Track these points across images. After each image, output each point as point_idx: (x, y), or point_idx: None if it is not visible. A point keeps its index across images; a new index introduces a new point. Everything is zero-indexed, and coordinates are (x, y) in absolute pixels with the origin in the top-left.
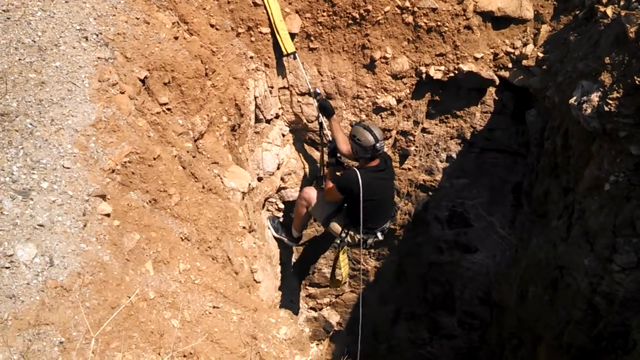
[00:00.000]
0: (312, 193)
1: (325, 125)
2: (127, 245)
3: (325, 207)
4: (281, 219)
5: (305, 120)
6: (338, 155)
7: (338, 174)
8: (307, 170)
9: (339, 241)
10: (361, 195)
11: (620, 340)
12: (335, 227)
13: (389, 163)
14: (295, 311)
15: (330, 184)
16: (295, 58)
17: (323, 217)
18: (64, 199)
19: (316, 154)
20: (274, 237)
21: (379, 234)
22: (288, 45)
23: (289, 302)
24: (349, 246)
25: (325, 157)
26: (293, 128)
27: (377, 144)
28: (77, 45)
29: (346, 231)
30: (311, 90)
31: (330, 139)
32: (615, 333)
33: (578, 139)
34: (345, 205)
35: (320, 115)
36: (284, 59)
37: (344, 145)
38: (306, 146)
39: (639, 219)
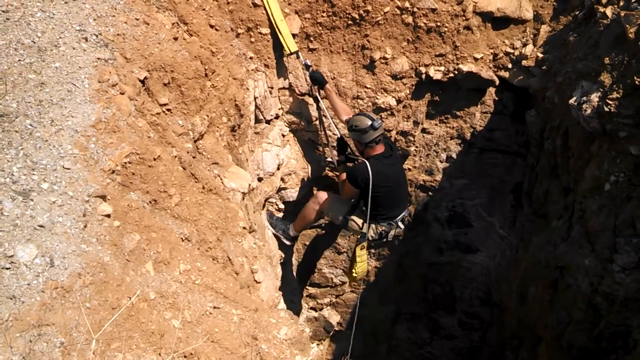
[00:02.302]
0: (324, 196)
1: (320, 98)
2: (127, 245)
3: (342, 206)
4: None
5: (305, 121)
6: (348, 152)
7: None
8: (307, 170)
9: (359, 236)
10: (370, 184)
11: (621, 341)
12: (356, 222)
13: (394, 148)
14: (296, 311)
15: (342, 176)
16: (298, 57)
17: (341, 216)
18: (64, 200)
19: (316, 155)
20: (273, 234)
21: (400, 224)
22: (291, 45)
23: (290, 302)
24: (373, 242)
25: (335, 156)
26: (293, 128)
27: (375, 122)
28: (77, 46)
29: (368, 225)
30: (303, 62)
31: (337, 136)
32: (616, 333)
33: (578, 139)
34: (362, 200)
35: (314, 88)
36: (284, 59)
37: (344, 113)
38: (306, 146)
39: (639, 219)
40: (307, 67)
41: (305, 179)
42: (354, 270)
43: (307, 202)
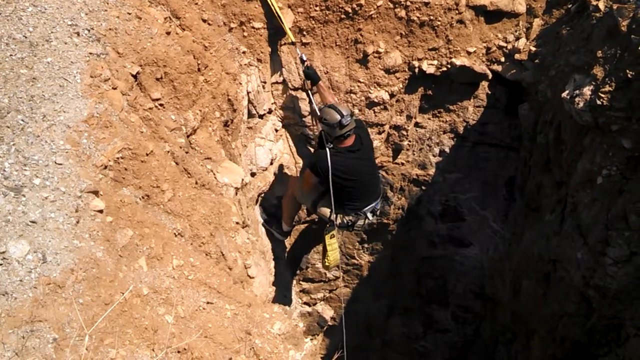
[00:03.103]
0: (293, 180)
1: (312, 94)
2: (120, 241)
3: (311, 192)
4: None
5: (297, 116)
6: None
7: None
8: (300, 165)
9: (328, 225)
10: (330, 175)
11: (613, 333)
12: (324, 211)
13: (365, 142)
14: (290, 306)
15: (306, 169)
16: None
17: (310, 202)
18: (57, 196)
19: (309, 149)
20: (266, 230)
21: (369, 215)
22: (291, 34)
23: (283, 297)
24: (341, 229)
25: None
26: (286, 123)
27: (343, 120)
28: (69, 41)
29: (335, 214)
30: (299, 55)
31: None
32: (608, 326)
33: (570, 132)
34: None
35: (307, 83)
36: (278, 53)
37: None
38: (299, 141)
39: (632, 212)
40: (302, 61)
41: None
42: (326, 260)
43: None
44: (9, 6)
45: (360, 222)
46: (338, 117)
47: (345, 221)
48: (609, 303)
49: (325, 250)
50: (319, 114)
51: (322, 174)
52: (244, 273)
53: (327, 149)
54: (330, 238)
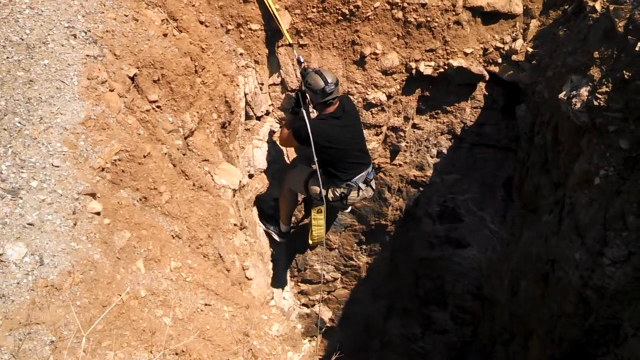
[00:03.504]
0: (287, 175)
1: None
2: (117, 243)
3: (300, 175)
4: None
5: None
6: (309, 105)
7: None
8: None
9: (318, 199)
10: (312, 143)
11: (612, 334)
12: (315, 189)
13: (347, 108)
14: (288, 308)
15: (286, 130)
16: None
17: (301, 184)
18: (54, 198)
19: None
20: (264, 232)
21: (361, 185)
22: (289, 36)
23: (281, 298)
24: (334, 204)
25: (289, 104)
26: (283, 125)
27: (326, 87)
28: (66, 43)
29: (326, 188)
30: (296, 57)
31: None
32: (607, 326)
33: (568, 133)
34: (317, 160)
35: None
36: (275, 54)
37: None
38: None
39: (629, 212)
40: (299, 63)
41: None
42: (310, 236)
43: None
44: (5, 8)
45: (354, 194)
46: (322, 83)
47: (337, 194)
48: (607, 303)
49: (310, 226)
50: (302, 78)
51: (304, 140)
52: (242, 275)
53: (304, 112)
54: (317, 213)
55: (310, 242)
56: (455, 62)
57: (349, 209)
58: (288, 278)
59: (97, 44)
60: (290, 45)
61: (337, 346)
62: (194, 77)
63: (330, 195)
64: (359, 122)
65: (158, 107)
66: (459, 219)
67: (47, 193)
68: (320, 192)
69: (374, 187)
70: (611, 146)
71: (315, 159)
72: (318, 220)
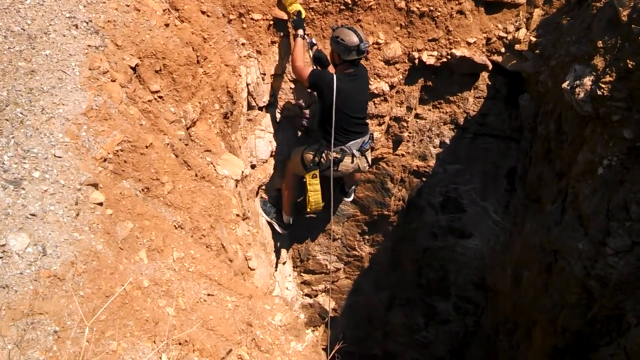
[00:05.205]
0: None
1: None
2: (120, 234)
3: (297, 155)
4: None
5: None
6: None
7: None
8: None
9: (311, 164)
10: (326, 99)
11: (615, 324)
12: (308, 156)
13: (363, 72)
14: (291, 298)
15: (306, 70)
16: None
17: (299, 162)
18: (56, 188)
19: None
20: (267, 222)
21: (355, 152)
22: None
23: (284, 288)
24: (326, 169)
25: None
26: (286, 115)
27: (362, 45)
28: (67, 33)
29: (320, 153)
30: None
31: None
32: (610, 316)
33: (571, 123)
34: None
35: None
36: (276, 45)
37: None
38: (299, 133)
39: (633, 202)
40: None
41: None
42: (307, 203)
43: None
44: None
45: (347, 161)
46: (356, 40)
47: (331, 158)
48: (610, 293)
49: (306, 192)
50: (333, 33)
51: (316, 89)
52: (245, 265)
53: (334, 74)
54: (312, 177)
55: (307, 209)
56: (458, 52)
57: (351, 197)
58: (291, 268)
59: (98, 34)
60: (302, 19)
61: (340, 336)
62: (196, 67)
63: (324, 159)
64: (368, 90)
65: (160, 97)
66: (462, 209)
67: (49, 184)
68: (314, 158)
69: (369, 159)
70: (615, 136)
71: (320, 113)
72: (314, 185)
